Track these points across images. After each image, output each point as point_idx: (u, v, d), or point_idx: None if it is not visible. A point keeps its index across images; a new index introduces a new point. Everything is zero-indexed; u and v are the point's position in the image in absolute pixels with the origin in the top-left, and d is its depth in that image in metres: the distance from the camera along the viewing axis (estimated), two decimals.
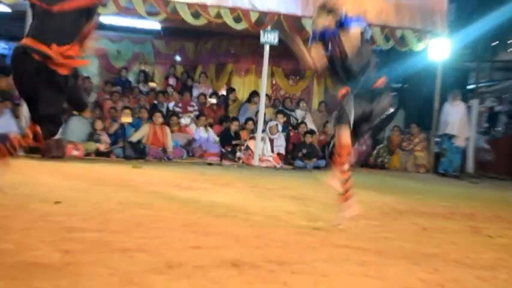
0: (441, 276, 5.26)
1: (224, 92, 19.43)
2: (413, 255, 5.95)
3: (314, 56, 7.36)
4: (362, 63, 7.52)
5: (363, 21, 7.68)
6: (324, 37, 7.41)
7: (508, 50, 17.10)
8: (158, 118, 14.96)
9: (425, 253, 6.12)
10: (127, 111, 15.08)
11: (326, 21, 7.45)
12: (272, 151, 15.50)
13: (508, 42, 16.92)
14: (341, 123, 7.20)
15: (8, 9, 15.86)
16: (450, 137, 16.40)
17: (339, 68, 7.45)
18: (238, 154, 15.16)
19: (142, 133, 14.54)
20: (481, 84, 18.33)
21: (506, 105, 22.48)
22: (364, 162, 17.20)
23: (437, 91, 16.89)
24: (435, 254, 6.14)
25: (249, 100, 17.55)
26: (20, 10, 14.27)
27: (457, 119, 16.38)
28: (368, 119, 7.45)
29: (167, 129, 15.03)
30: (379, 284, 4.87)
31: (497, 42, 16.74)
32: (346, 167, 7.34)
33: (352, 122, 7.14)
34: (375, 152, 17.45)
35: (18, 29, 17.00)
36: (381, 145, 17.72)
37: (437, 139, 17.02)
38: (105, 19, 16.56)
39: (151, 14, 14.17)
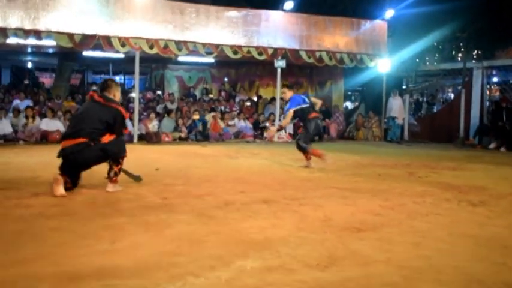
0: (391, 202, 5.25)
1: (255, 98, 19.38)
2: (373, 191, 5.94)
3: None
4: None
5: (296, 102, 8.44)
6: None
7: (426, 64, 16.86)
8: (215, 114, 15.01)
9: (380, 189, 6.10)
10: (196, 112, 15.09)
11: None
12: (285, 132, 15.50)
13: (426, 58, 16.68)
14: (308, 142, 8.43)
15: (122, 55, 15.89)
16: (393, 118, 16.30)
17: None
18: (265, 135, 15.13)
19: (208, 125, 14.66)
20: (410, 85, 18.09)
21: (425, 97, 22.33)
22: (341, 136, 17.11)
23: (384, 91, 16.78)
24: (386, 189, 6.12)
25: (269, 102, 17.56)
26: (130, 56, 14.29)
27: (397, 107, 16.24)
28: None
29: (221, 122, 15.06)
30: (353, 209, 4.86)
31: (418, 59, 16.57)
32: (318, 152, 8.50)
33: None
34: (347, 129, 17.34)
35: (129, 67, 17.05)
36: (351, 125, 17.58)
37: (385, 120, 16.88)
38: (181, 58, 16.54)
39: (208, 53, 14.14)
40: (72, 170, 5.43)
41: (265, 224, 4.15)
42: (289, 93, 8.63)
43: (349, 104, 24.96)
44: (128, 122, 13.33)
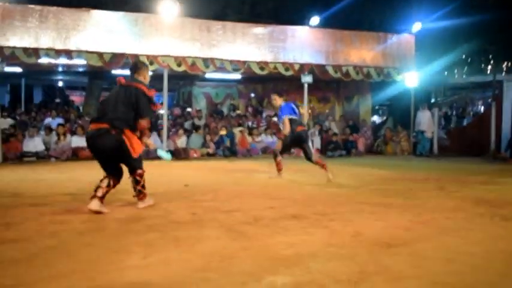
0: (422, 217, 5.18)
1: None
2: (404, 206, 5.87)
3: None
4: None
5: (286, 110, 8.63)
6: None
7: (455, 77, 16.68)
8: (244, 129, 15.07)
9: (411, 204, 6.03)
10: (223, 127, 15.18)
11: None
12: (313, 147, 15.42)
13: (455, 71, 16.51)
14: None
15: (150, 73, 16.13)
16: (422, 131, 16.12)
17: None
18: (292, 150, 15.09)
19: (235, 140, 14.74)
20: (439, 99, 17.89)
21: (454, 111, 22.03)
22: (369, 150, 16.99)
23: (412, 104, 16.61)
24: (417, 204, 6.04)
25: None
26: (158, 73, 14.50)
27: (425, 120, 16.06)
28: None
29: (248, 138, 15.11)
30: (383, 224, 4.82)
31: (446, 72, 16.40)
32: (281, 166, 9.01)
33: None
34: (376, 143, 17.22)
35: (158, 85, 17.28)
36: (379, 139, 17.46)
37: (414, 134, 16.71)
38: (208, 75, 16.71)
39: (235, 69, 14.26)
40: (100, 161, 5.45)
41: (294, 239, 4.14)
42: (279, 101, 8.90)
43: (376, 119, 24.81)
44: (155, 137, 13.49)
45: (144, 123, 5.38)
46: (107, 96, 5.66)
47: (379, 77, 15.66)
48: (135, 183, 5.51)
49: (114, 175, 5.41)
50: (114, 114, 5.26)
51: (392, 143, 16.81)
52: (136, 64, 5.78)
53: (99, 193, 5.23)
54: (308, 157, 8.59)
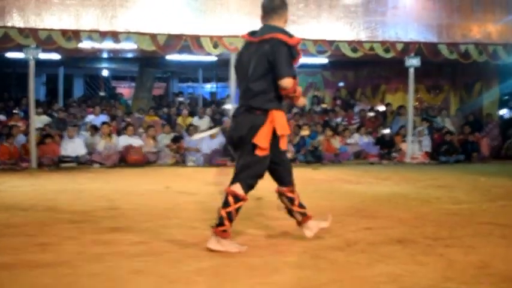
0: None
1: (381, 107, 19.19)
2: None
3: None
4: None
5: None
6: None
7: None
8: (328, 132, 15.01)
9: None
10: (305, 127, 15.17)
11: None
12: (420, 150, 15.20)
13: None
14: None
15: (215, 59, 16.41)
16: None
17: None
18: (393, 154, 14.94)
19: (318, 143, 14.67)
20: None
21: None
22: (496, 154, 16.45)
23: None
24: None
25: (398, 113, 17.29)
26: (224, 59, 14.70)
27: None
28: None
29: (335, 142, 15.04)
30: None
31: None
32: None
33: None
34: (505, 145, 16.66)
35: (223, 73, 17.56)
36: (510, 140, 16.89)
37: None
38: None
39: (320, 52, 14.23)
40: None
41: (399, 270, 4.05)
42: None
43: (506, 113, 23.99)
44: (222, 140, 13.64)
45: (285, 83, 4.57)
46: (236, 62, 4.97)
47: (509, 57, 15.12)
48: (223, 204, 4.62)
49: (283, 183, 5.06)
50: (244, 87, 4.69)
51: None
52: (275, 2, 4.84)
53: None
54: None
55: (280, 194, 5.04)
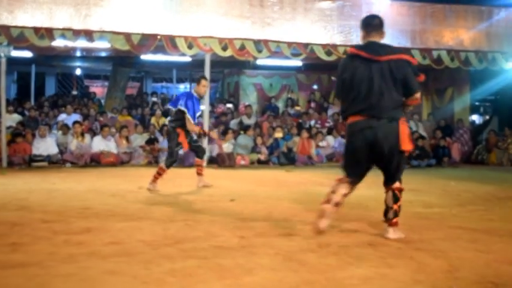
0: None
1: None
2: None
3: None
4: None
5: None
6: None
7: None
8: (304, 133, 15.08)
9: None
10: (279, 129, 15.24)
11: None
12: None
13: None
14: None
15: (189, 59, 16.40)
16: None
17: None
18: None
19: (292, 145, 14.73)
20: None
21: None
22: (466, 159, 16.70)
23: None
24: None
25: None
26: (198, 59, 14.72)
27: None
28: None
29: (312, 142, 15.11)
30: (487, 257, 4.70)
31: None
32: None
33: None
34: (475, 151, 16.92)
35: (197, 74, 17.53)
36: (480, 145, 17.17)
37: None
38: (260, 61, 16.86)
39: (294, 54, 14.29)
40: (359, 163, 5.42)
41: (370, 273, 4.10)
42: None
43: (476, 118, 24.30)
44: None
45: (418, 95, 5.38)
46: (350, 77, 5.35)
47: (481, 64, 15.35)
48: (394, 200, 5.38)
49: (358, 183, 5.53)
50: (381, 99, 5.15)
51: (497, 151, 16.46)
52: (380, 20, 5.45)
53: (334, 199, 5.37)
54: None
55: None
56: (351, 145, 5.33)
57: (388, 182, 5.40)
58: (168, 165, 8.85)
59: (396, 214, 5.32)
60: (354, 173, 5.39)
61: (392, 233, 5.31)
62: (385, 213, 5.47)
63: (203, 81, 9.11)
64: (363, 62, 5.22)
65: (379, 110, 5.15)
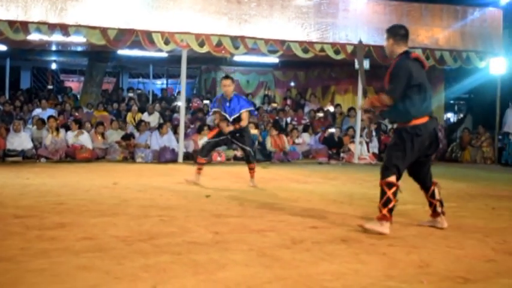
0: (509, 245, 5.11)
1: (330, 108, 19.39)
2: (486, 230, 5.81)
3: None
4: None
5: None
6: None
7: None
8: (273, 131, 15.09)
9: (495, 228, 5.97)
10: (251, 125, 15.23)
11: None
12: (368, 151, 15.43)
13: None
14: None
15: (165, 55, 16.31)
16: (510, 134, 15.95)
17: None
18: (342, 155, 15.14)
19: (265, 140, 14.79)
20: None
21: None
22: (441, 157, 16.82)
23: (498, 99, 16.39)
24: (503, 228, 5.99)
25: (348, 114, 17.50)
26: (175, 55, 14.66)
27: None
28: None
29: (284, 138, 15.13)
30: (458, 252, 4.76)
31: None
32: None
33: None
34: (450, 148, 17.07)
35: (174, 70, 17.49)
36: (454, 143, 17.33)
37: (499, 137, 16.52)
38: (237, 58, 16.85)
39: (271, 51, 14.30)
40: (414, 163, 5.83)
41: (343, 269, 4.12)
42: (232, 87, 9.15)
43: (451, 116, 24.52)
44: (171, 137, 13.63)
45: None
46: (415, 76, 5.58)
47: (455, 63, 15.49)
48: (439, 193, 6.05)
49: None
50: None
51: (471, 149, 16.63)
52: (406, 29, 5.87)
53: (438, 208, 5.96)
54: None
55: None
56: (418, 144, 5.52)
57: (430, 181, 6.01)
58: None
59: (443, 203, 5.96)
60: (404, 169, 5.74)
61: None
62: (434, 208, 5.93)
63: (222, 81, 9.21)
64: (421, 67, 5.68)
65: (430, 109, 5.74)
